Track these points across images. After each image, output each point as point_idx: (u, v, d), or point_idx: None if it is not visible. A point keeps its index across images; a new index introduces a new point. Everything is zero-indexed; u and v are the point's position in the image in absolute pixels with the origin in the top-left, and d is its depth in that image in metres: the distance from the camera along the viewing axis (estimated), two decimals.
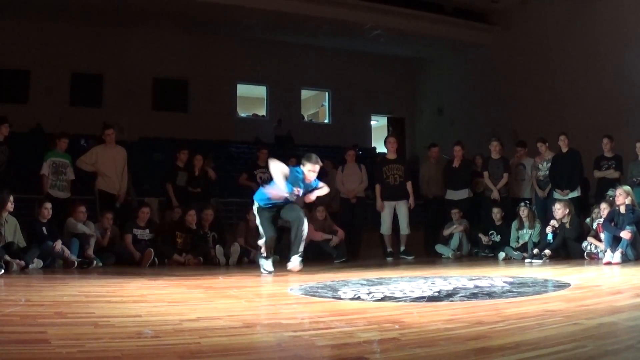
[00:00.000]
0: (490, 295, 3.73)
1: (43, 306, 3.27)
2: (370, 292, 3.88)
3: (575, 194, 8.13)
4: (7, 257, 5.70)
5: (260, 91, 18.81)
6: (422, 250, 9.13)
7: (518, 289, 4.05)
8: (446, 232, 8.48)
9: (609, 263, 6.23)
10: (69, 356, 2.08)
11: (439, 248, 8.43)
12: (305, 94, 19.66)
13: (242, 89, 18.37)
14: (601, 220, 7.01)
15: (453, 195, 8.73)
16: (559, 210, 7.40)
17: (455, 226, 8.41)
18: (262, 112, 18.98)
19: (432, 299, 3.53)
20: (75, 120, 13.64)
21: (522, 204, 8.16)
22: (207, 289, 4.59)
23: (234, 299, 3.90)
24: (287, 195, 5.47)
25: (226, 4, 13.69)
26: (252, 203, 5.88)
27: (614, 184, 7.57)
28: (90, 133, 11.68)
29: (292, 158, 8.46)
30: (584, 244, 7.15)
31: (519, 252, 7.63)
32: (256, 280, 5.33)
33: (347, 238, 8.21)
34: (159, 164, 11.77)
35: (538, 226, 7.78)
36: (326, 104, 19.81)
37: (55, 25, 14.86)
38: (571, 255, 7.29)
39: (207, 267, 7.02)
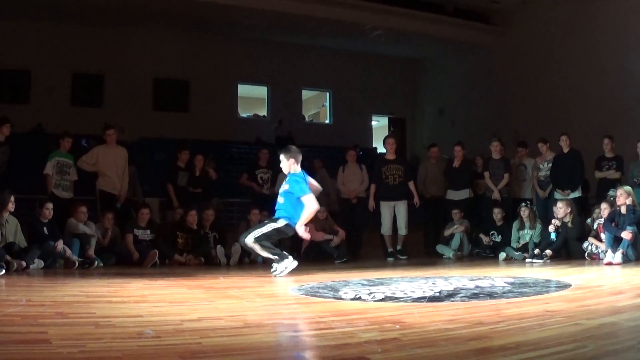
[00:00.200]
0: (491, 295, 3.73)
1: (44, 306, 3.28)
2: (371, 293, 3.88)
3: (576, 194, 8.13)
4: (8, 258, 5.69)
5: (261, 91, 18.82)
6: (422, 250, 9.13)
7: (519, 289, 4.05)
8: (447, 233, 8.48)
9: (609, 263, 6.22)
10: (69, 356, 2.08)
11: (440, 248, 8.43)
12: (306, 94, 19.66)
13: (243, 89, 18.37)
14: (602, 221, 7.00)
15: (454, 195, 8.72)
16: (561, 209, 7.39)
17: (456, 226, 8.40)
18: (263, 112, 18.98)
19: (433, 299, 3.54)
20: (76, 120, 13.60)
21: (523, 204, 8.14)
22: (208, 289, 4.59)
23: (235, 299, 3.90)
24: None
25: (227, 4, 13.69)
26: (271, 212, 5.99)
27: (615, 184, 7.57)
28: (91, 133, 11.66)
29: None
30: (585, 244, 7.14)
31: (519, 253, 7.62)
32: (257, 280, 5.33)
33: (347, 238, 8.21)
34: (160, 164, 11.76)
35: (539, 226, 7.78)
36: (327, 104, 19.81)
37: (56, 26, 14.87)
38: (572, 255, 7.28)
39: (208, 267, 7.02)
